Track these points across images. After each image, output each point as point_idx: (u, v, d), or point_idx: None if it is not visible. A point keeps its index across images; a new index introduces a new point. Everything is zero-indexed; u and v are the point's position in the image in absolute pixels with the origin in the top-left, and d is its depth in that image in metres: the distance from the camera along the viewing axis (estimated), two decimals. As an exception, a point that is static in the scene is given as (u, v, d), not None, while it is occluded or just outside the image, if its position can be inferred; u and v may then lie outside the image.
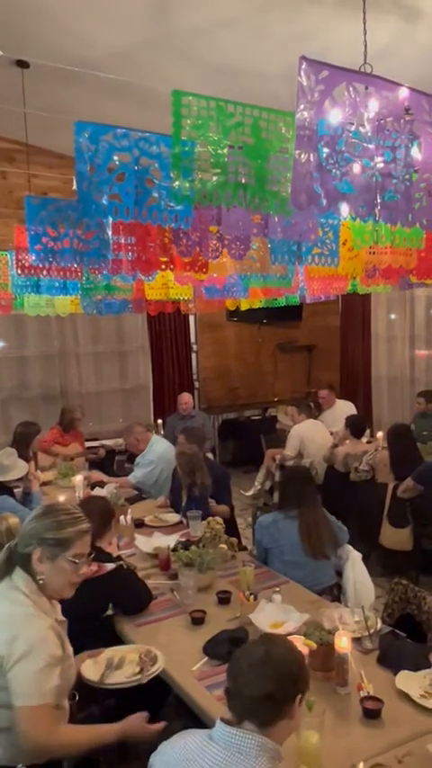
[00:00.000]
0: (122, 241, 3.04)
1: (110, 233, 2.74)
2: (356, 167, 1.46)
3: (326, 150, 1.42)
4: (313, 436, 5.92)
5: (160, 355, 8.33)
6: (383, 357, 8.14)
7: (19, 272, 3.65)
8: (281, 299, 5.43)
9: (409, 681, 2.22)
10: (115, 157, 1.95)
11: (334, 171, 1.43)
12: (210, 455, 6.07)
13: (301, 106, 1.39)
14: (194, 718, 2.25)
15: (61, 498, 4.46)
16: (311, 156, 1.40)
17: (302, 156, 1.40)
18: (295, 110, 1.40)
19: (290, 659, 1.52)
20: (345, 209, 1.47)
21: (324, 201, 1.41)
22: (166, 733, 2.61)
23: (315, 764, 1.84)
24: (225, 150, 1.73)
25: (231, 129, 1.72)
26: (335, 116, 1.41)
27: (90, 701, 2.42)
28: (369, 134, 1.46)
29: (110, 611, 2.87)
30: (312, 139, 1.41)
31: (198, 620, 2.80)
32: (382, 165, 1.50)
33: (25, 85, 4.76)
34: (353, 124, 1.45)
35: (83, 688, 2.37)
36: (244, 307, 5.67)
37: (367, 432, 6.01)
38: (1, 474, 4.18)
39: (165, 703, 2.91)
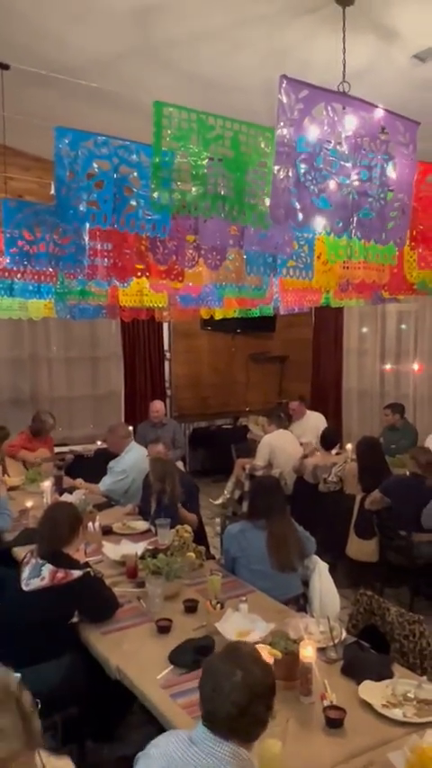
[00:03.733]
0: (99, 247, 3.05)
1: (86, 239, 2.75)
2: (333, 184, 1.49)
3: (304, 167, 1.45)
4: (283, 446, 5.96)
5: (133, 362, 8.30)
6: (354, 370, 8.25)
7: (-8, 274, 3.62)
8: (255, 309, 5.48)
9: (371, 691, 2.25)
10: (95, 164, 1.96)
11: (312, 187, 1.46)
12: (180, 463, 6.07)
13: (281, 123, 1.42)
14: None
15: (29, 504, 4.42)
16: (290, 171, 1.43)
17: (281, 171, 1.43)
18: (275, 126, 1.43)
19: (263, 676, 1.55)
20: (321, 224, 1.51)
21: (301, 216, 1.45)
22: (137, 739, 2.61)
23: (278, 773, 1.85)
24: (205, 162, 1.75)
25: (211, 141, 1.74)
26: (313, 134, 1.45)
27: (53, 710, 2.40)
28: (346, 152, 1.50)
29: (75, 619, 2.85)
30: (291, 156, 1.44)
31: (164, 628, 2.79)
32: (358, 183, 1.53)
33: (4, 87, 4.74)
34: (330, 142, 1.48)
35: (45, 697, 2.34)
36: (218, 316, 5.71)
37: (337, 444, 6.09)
38: (-33, 478, 4.12)
39: (128, 711, 2.90)
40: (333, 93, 1.49)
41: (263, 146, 1.85)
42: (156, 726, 2.27)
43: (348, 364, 8.30)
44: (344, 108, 1.48)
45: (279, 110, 1.41)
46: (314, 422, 6.74)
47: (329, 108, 1.46)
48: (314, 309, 8.24)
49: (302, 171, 1.45)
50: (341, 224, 1.53)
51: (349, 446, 5.87)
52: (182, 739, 1.57)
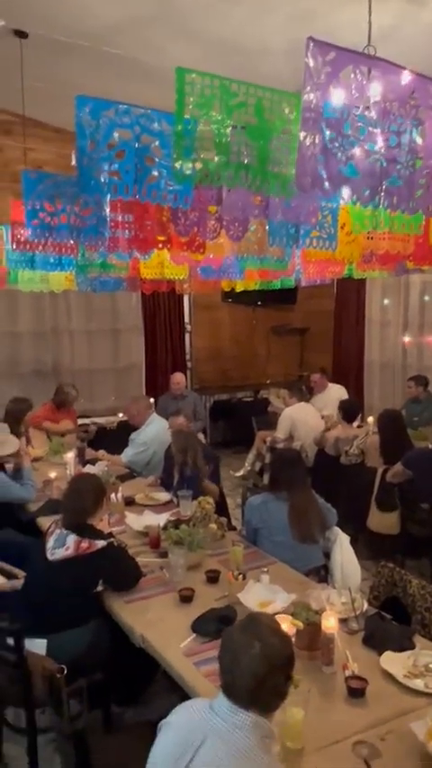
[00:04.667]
0: (120, 219, 3.02)
1: (108, 210, 2.72)
2: (361, 151, 1.45)
3: (331, 133, 1.41)
4: (304, 419, 5.94)
5: (154, 335, 8.30)
6: (376, 342, 8.15)
7: (14, 246, 3.62)
8: (276, 281, 5.42)
9: (393, 661, 2.26)
10: (116, 134, 1.93)
11: (339, 154, 1.42)
12: (201, 436, 6.10)
13: (308, 87, 1.38)
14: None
15: (52, 475, 4.48)
16: (316, 138, 1.40)
17: (307, 138, 1.39)
18: (301, 91, 1.38)
19: (281, 647, 1.56)
20: (348, 193, 1.47)
21: (328, 185, 1.41)
22: (161, 705, 2.66)
23: (298, 740, 1.88)
24: (228, 130, 1.71)
25: (234, 108, 1.70)
26: (341, 98, 1.40)
27: (78, 675, 2.45)
28: (374, 118, 1.45)
29: (99, 588, 2.90)
30: (318, 122, 1.40)
31: (186, 598, 2.83)
32: (386, 149, 1.49)
33: (23, 56, 4.68)
34: (358, 107, 1.44)
35: (71, 662, 2.40)
36: (239, 288, 5.66)
37: (358, 416, 6.05)
38: (-8, 449, 4.18)
39: (152, 678, 2.96)
40: (361, 56, 1.44)
41: (287, 112, 1.81)
42: (179, 692, 2.31)
43: (370, 336, 8.20)
44: (372, 71, 1.43)
45: (306, 73, 1.37)
46: (335, 394, 6.69)
47: (357, 71, 1.41)
48: (336, 281, 8.14)
49: (329, 137, 1.41)
50: (368, 192, 1.49)
51: (371, 419, 5.84)
52: (203, 708, 1.59)
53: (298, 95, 1.72)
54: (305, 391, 6.49)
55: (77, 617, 2.79)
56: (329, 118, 1.41)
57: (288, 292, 8.01)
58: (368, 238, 3.10)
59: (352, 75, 1.41)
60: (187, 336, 8.72)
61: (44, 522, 3.71)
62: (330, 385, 7.01)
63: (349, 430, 5.52)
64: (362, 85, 1.42)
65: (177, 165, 1.72)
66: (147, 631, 2.59)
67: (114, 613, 2.82)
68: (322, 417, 5.98)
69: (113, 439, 6.27)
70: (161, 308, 8.26)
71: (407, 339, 7.74)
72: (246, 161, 1.75)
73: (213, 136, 1.71)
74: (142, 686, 3.07)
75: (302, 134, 1.40)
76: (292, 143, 1.81)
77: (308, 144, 1.39)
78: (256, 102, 1.74)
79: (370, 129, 1.45)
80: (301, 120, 1.41)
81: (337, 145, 1.41)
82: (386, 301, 8.02)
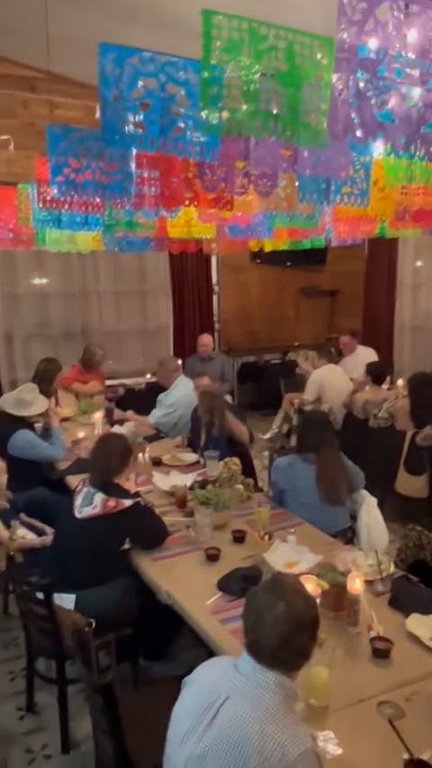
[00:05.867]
0: (146, 175, 2.95)
1: (133, 166, 2.66)
2: (397, 95, 1.36)
3: (365, 75, 1.33)
4: (333, 382, 5.88)
5: (181, 296, 8.25)
6: (408, 304, 7.97)
7: (40, 205, 3.57)
8: (305, 241, 5.30)
9: (419, 623, 2.25)
10: (140, 83, 1.86)
11: (373, 99, 1.34)
12: (228, 397, 6.08)
13: (342, 25, 1.29)
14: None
15: (81, 434, 4.53)
16: (350, 81, 1.32)
17: (340, 81, 1.31)
18: (335, 29, 1.30)
19: (305, 608, 1.54)
20: (382, 141, 1.39)
21: (361, 132, 1.34)
22: (187, 659, 2.71)
23: (323, 698, 1.89)
24: (256, 76, 1.63)
25: (264, 53, 1.61)
26: (376, 38, 1.32)
27: (106, 630, 2.50)
28: (413, 58, 1.36)
29: (126, 546, 2.93)
30: (352, 63, 1.31)
31: (213, 557, 2.85)
32: (425, 93, 1.40)
33: (48, 7, 4.55)
34: (395, 48, 1.35)
35: (99, 618, 2.45)
36: (268, 248, 5.56)
37: (388, 379, 5.96)
38: (22, 409, 4.22)
39: (178, 634, 3.00)
40: (400, -9, 1.34)
41: (319, 57, 1.71)
42: (205, 647, 2.35)
43: (402, 299, 8.01)
44: (407, 7, 1.34)
45: (339, 10, 1.28)
46: (365, 357, 6.58)
47: (395, 7, 1.31)
48: (368, 241, 7.95)
49: (364, 80, 1.33)
50: (404, 139, 1.41)
51: (401, 382, 5.74)
52: (227, 667, 1.60)
53: (331, 39, 1.63)
54: (334, 353, 6.41)
55: (105, 574, 2.84)
56: (364, 59, 1.33)
57: (318, 253, 7.85)
58: (402, 194, 2.99)
59: (389, 12, 1.32)
60: (215, 298, 8.64)
61: (73, 480, 3.76)
62: (360, 347, 6.90)
63: (378, 392, 5.45)
64: (399, 23, 1.33)
65: (203, 114, 1.65)
66: (173, 589, 2.62)
67: (141, 571, 2.86)
68: (351, 380, 5.91)
69: (141, 400, 6.30)
70: (189, 270, 8.19)
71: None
72: (275, 110, 1.67)
73: (241, 83, 1.63)
74: (169, 641, 3.12)
75: (335, 76, 1.32)
76: (324, 91, 1.72)
77: (340, 87, 1.31)
78: (287, 47, 1.65)
79: (407, 70, 1.36)
80: (333, 62, 1.33)
81: (371, 88, 1.33)
82: (419, 263, 7.82)
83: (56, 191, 2.90)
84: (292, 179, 2.90)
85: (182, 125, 1.97)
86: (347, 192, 2.92)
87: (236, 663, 1.58)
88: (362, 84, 1.33)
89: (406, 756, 1.65)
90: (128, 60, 1.87)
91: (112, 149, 2.55)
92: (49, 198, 3.42)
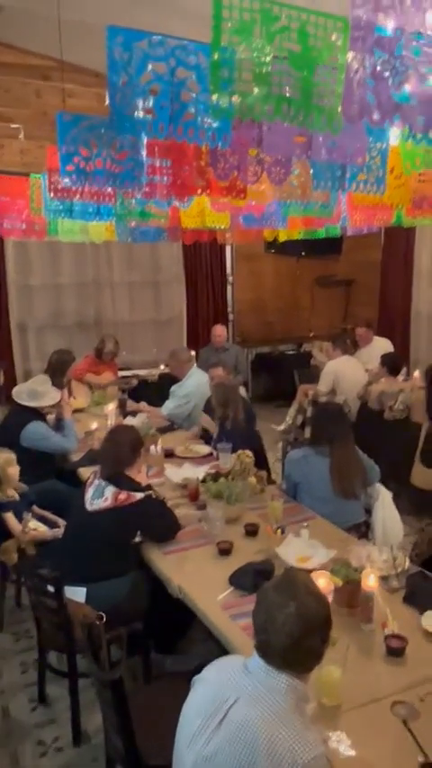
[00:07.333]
0: (157, 164, 2.91)
1: (144, 154, 2.61)
2: (416, 75, 1.30)
3: (382, 54, 1.27)
4: (348, 373, 5.81)
5: (195, 286, 8.21)
6: (425, 294, 7.85)
7: (52, 194, 3.54)
8: (321, 230, 5.23)
9: (435, 621, 2.21)
10: (149, 67, 1.81)
11: (391, 79, 1.28)
12: (242, 389, 6.04)
13: (357, 2, 1.24)
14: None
15: (94, 426, 4.51)
16: (366, 60, 1.26)
17: (356, 60, 1.26)
18: (350, 6, 1.24)
19: (317, 608, 1.50)
20: (400, 123, 1.33)
21: (377, 113, 1.28)
22: (199, 651, 2.68)
23: (335, 698, 1.86)
24: (269, 59, 1.57)
25: (276, 33, 1.56)
26: (394, 15, 1.26)
27: (117, 623, 2.48)
28: (432, 37, 1.30)
29: (138, 539, 2.91)
30: (368, 41, 1.25)
31: (225, 551, 2.82)
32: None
33: (60, -7, 4.50)
34: (414, 26, 1.28)
35: (110, 611, 2.43)
36: (282, 238, 5.49)
37: (404, 370, 5.88)
38: (35, 400, 4.21)
39: (190, 628, 2.98)
40: (419, -35, 1.28)
41: (334, 38, 1.65)
42: (217, 641, 2.32)
43: (419, 289, 7.89)
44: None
45: (354, -15, 1.23)
46: (381, 348, 6.49)
47: (414, -18, 1.26)
48: (384, 230, 7.84)
49: (380, 59, 1.27)
50: (423, 121, 1.35)
51: (417, 373, 5.66)
52: (237, 667, 1.56)
53: (346, 19, 1.57)
54: (350, 344, 6.33)
55: (116, 567, 2.82)
56: (381, 37, 1.27)
57: (333, 242, 7.76)
58: (419, 181, 2.92)
59: (407, -12, 1.26)
60: (229, 288, 8.59)
61: (85, 472, 3.75)
62: (376, 338, 6.81)
63: (394, 384, 5.37)
64: (419, -1, 1.27)
65: (214, 98, 1.60)
66: (184, 583, 2.60)
67: (152, 564, 2.83)
68: (366, 371, 5.83)
69: (154, 391, 6.28)
70: (203, 260, 8.14)
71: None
72: (288, 93, 1.61)
73: (253, 65, 1.58)
74: (180, 635, 3.10)
75: (350, 55, 1.26)
76: (339, 74, 1.66)
77: (356, 66, 1.25)
78: (300, 27, 1.59)
79: (426, 48, 1.30)
80: (348, 41, 1.27)
81: (389, 67, 1.27)
82: (436, 251, 7.70)
83: (66, 180, 2.87)
84: (306, 166, 2.84)
85: (193, 110, 1.92)
86: (363, 179, 2.85)
87: (246, 663, 1.55)
88: (378, 64, 1.28)
89: (421, 759, 1.61)
90: (137, 44, 1.82)
91: (123, 137, 2.51)
92: (60, 187, 3.39)
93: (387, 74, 1.27)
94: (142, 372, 7.18)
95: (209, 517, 3.03)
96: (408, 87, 1.29)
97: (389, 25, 1.27)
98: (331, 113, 1.65)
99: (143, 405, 5.33)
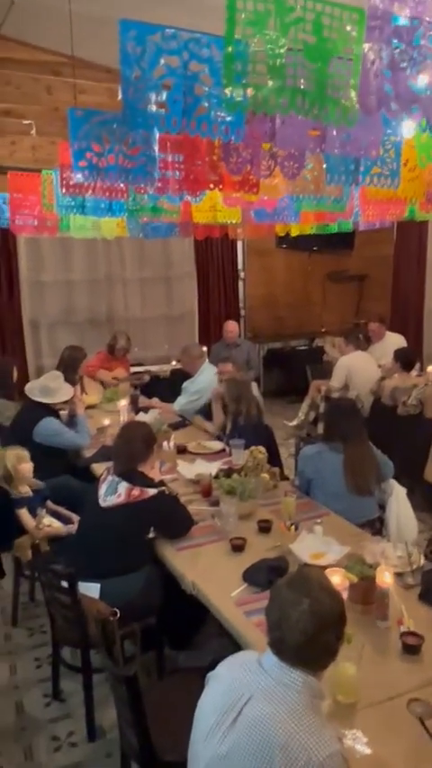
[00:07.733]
0: (169, 159, 2.90)
1: (156, 149, 2.60)
2: (434, 65, 1.28)
3: (400, 44, 1.25)
4: (360, 368, 5.78)
5: (207, 282, 8.19)
6: (438, 289, 7.81)
7: (63, 190, 3.54)
8: (333, 224, 5.19)
9: (451, 618, 2.19)
10: (162, 61, 1.79)
11: (408, 69, 1.26)
12: (254, 384, 6.03)
13: (374, -9, 1.22)
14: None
15: (106, 422, 4.52)
16: (383, 51, 1.24)
17: (372, 51, 1.24)
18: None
19: (331, 605, 1.49)
20: (418, 114, 1.31)
21: (395, 104, 1.26)
22: (213, 646, 2.68)
23: (351, 695, 1.85)
24: (283, 50, 1.55)
25: (291, 24, 1.54)
26: (412, 4, 1.24)
27: (131, 619, 2.48)
28: (451, 25, 1.28)
29: (151, 535, 2.91)
30: (385, 31, 1.24)
31: (238, 547, 2.81)
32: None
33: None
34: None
35: (124, 607, 2.43)
36: (294, 233, 5.46)
37: (417, 365, 5.84)
38: (47, 396, 4.22)
39: (204, 623, 2.98)
40: None
41: (349, 29, 1.62)
42: (231, 637, 2.31)
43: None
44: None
45: (372, -26, 1.21)
46: (394, 344, 6.45)
47: (432, -30, 1.24)
48: (396, 225, 7.78)
49: (398, 50, 1.25)
50: (441, 113, 1.33)
51: (430, 368, 5.62)
52: (251, 664, 1.55)
53: (362, 10, 1.55)
54: (362, 340, 6.29)
55: (130, 563, 2.82)
56: (398, 27, 1.25)
57: (345, 237, 7.70)
58: (434, 174, 2.88)
59: (425, -24, 1.24)
60: (241, 284, 8.57)
61: (98, 468, 3.75)
62: (388, 334, 6.77)
63: (407, 379, 5.34)
64: (437, -13, 1.25)
65: (227, 91, 1.58)
66: (198, 579, 2.59)
67: (166, 560, 2.83)
68: (379, 367, 5.80)
69: (166, 387, 6.28)
70: (214, 255, 8.13)
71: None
72: (302, 86, 1.59)
73: (267, 58, 1.56)
74: (194, 630, 3.10)
75: (367, 46, 1.25)
76: (354, 66, 1.64)
77: (372, 58, 1.24)
78: (315, 18, 1.57)
79: (445, 38, 1.28)
80: (365, 30, 1.25)
81: (406, 58, 1.25)
82: (450, 246, 7.64)
83: (79, 175, 2.86)
84: (319, 160, 2.82)
85: (206, 104, 1.90)
86: (377, 173, 2.82)
87: (261, 660, 1.54)
88: (396, 54, 1.26)
89: (437, 757, 1.60)
90: (150, 37, 1.80)
91: (135, 132, 2.49)
92: (72, 183, 3.38)
93: (404, 64, 1.25)
94: (154, 368, 7.19)
95: (222, 513, 3.02)
96: (425, 78, 1.27)
97: (407, 14, 1.25)
98: (346, 106, 1.63)
99: (155, 401, 5.33)
